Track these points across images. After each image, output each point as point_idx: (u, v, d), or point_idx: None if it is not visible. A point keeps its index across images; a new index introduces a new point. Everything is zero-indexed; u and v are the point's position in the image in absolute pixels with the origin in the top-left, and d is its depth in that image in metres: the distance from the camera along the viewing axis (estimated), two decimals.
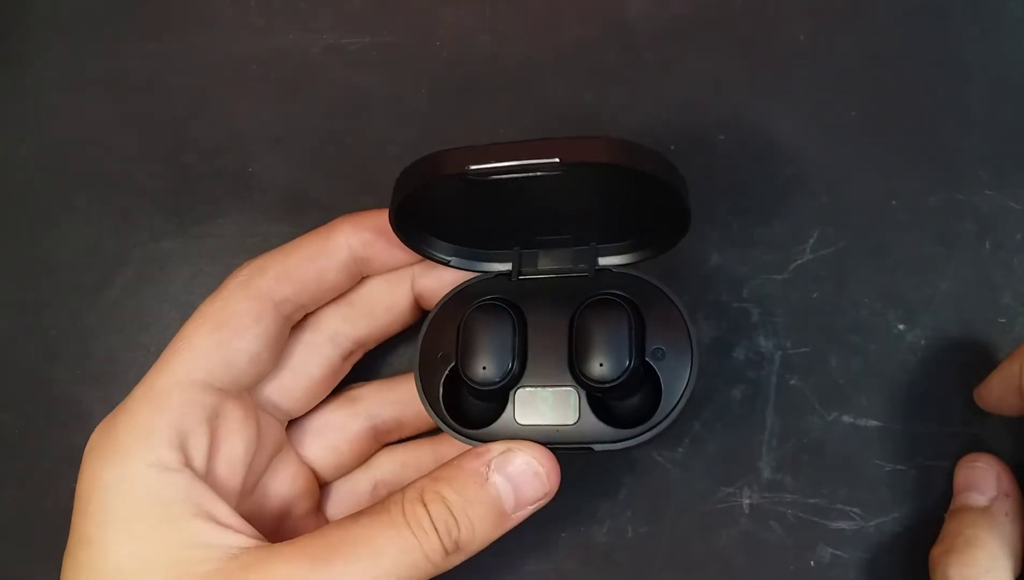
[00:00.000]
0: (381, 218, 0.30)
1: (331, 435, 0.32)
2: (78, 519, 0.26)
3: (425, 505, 0.25)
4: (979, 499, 0.29)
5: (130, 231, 0.35)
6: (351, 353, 0.32)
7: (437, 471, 0.27)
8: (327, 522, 0.32)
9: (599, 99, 0.34)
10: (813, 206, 0.34)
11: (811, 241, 0.34)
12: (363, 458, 0.33)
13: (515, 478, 0.27)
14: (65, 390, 0.34)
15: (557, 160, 0.24)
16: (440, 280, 0.30)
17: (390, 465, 0.33)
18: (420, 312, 0.32)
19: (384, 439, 0.33)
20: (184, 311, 0.34)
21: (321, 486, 0.32)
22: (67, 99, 0.35)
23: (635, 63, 0.34)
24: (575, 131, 0.34)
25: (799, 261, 0.34)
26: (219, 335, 0.28)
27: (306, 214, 0.34)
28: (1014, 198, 0.33)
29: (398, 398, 0.32)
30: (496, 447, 0.27)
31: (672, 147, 0.34)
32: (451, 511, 0.26)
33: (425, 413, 0.30)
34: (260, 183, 0.35)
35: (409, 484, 0.26)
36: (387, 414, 0.32)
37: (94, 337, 0.35)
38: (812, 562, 0.32)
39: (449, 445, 0.32)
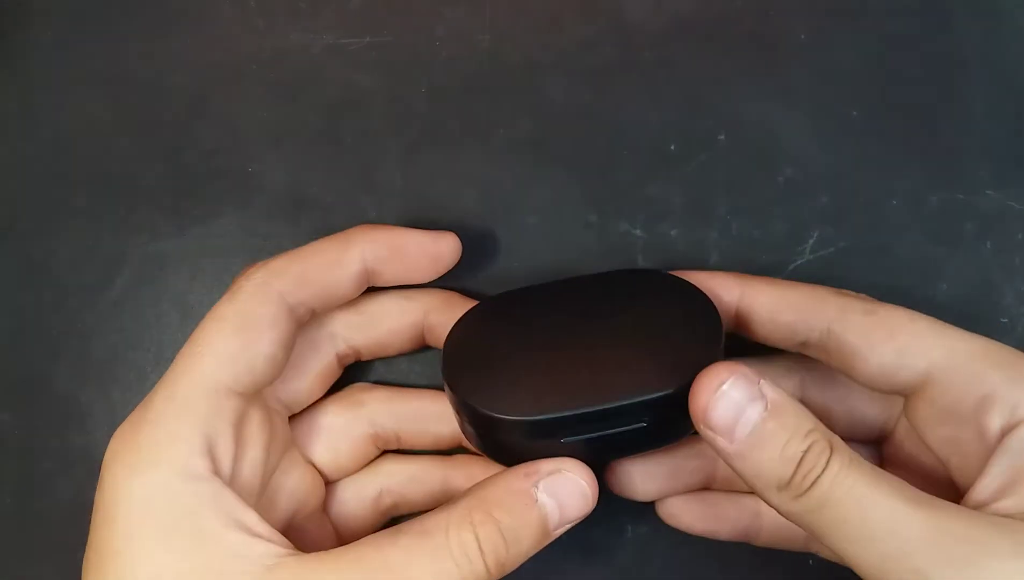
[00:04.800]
0: (399, 237, 0.30)
1: (332, 436, 0.32)
2: (102, 530, 0.25)
3: (475, 529, 0.25)
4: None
5: (130, 231, 0.35)
6: (346, 356, 0.32)
7: (483, 492, 0.26)
8: (330, 522, 0.32)
9: (599, 99, 0.34)
10: (813, 206, 0.34)
11: (811, 241, 0.34)
12: (362, 462, 0.33)
13: (561, 497, 0.26)
14: (65, 390, 0.34)
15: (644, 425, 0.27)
16: (455, 318, 0.30)
17: (398, 476, 0.32)
18: (424, 343, 0.32)
19: (383, 446, 0.33)
20: (184, 311, 0.35)
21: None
22: (67, 99, 0.35)
23: (635, 63, 0.34)
24: (576, 131, 0.34)
25: (799, 261, 0.34)
26: (242, 338, 0.27)
27: (306, 214, 0.34)
28: (1015, 198, 0.33)
29: (403, 413, 0.32)
30: (544, 467, 0.27)
31: (672, 147, 0.34)
32: (503, 535, 0.25)
33: (421, 434, 0.31)
34: (260, 183, 0.35)
35: (451, 506, 0.26)
36: (389, 425, 0.32)
37: (94, 337, 0.35)
38: (811, 561, 0.32)
39: (459, 471, 0.32)
